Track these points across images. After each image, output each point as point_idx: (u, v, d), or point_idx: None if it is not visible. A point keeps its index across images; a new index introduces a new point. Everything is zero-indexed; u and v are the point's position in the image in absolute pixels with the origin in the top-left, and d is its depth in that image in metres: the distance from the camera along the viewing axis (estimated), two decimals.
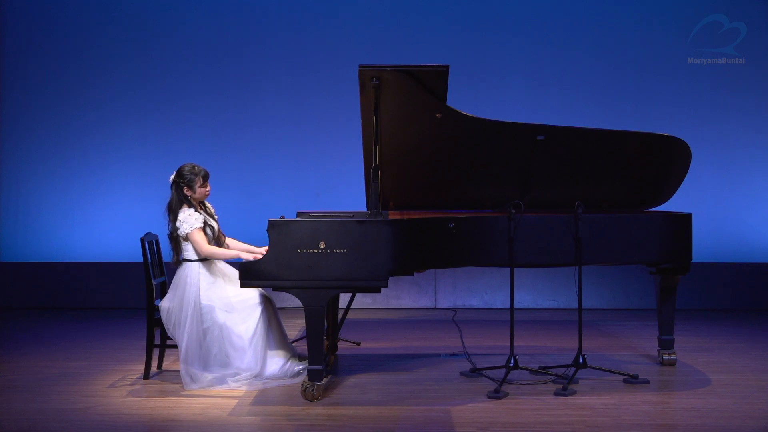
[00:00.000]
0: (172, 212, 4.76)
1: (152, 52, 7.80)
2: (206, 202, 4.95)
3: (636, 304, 7.63)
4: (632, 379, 4.79)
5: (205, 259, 4.77)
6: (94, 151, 7.82)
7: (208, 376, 4.63)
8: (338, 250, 4.31)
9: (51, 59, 7.82)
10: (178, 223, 4.73)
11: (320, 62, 7.78)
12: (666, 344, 5.21)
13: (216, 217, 4.95)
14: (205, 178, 4.80)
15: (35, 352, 5.68)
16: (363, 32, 7.77)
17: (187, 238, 4.73)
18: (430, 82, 4.63)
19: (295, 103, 7.80)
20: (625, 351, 5.68)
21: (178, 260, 4.76)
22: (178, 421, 4.11)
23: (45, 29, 7.82)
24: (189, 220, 4.72)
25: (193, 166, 4.79)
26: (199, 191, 4.79)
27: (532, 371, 4.97)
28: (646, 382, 4.78)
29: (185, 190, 4.77)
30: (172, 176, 4.80)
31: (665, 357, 5.21)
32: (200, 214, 4.77)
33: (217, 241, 4.91)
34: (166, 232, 4.81)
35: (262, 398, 4.48)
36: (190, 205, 4.77)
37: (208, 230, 4.79)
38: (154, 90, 7.80)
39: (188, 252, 4.76)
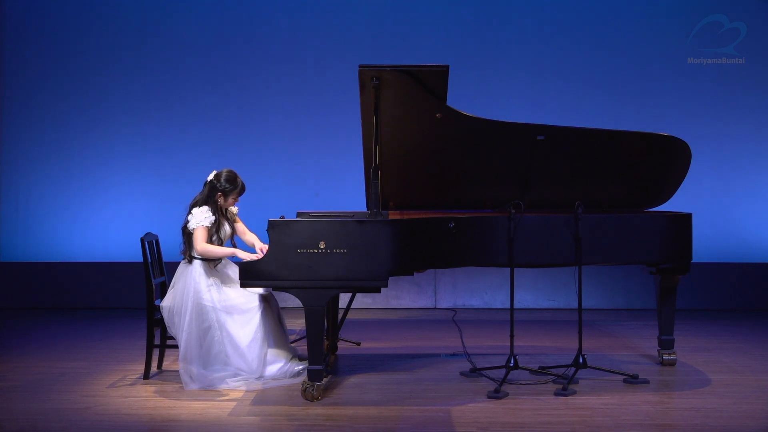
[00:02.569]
0: (194, 207, 4.78)
1: (151, 53, 7.80)
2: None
3: (636, 304, 7.63)
4: (632, 379, 4.79)
5: (208, 259, 4.77)
6: (94, 151, 7.82)
7: (208, 376, 4.63)
8: (338, 250, 4.31)
9: (49, 57, 7.83)
10: (189, 217, 4.75)
11: (320, 62, 7.78)
12: (666, 344, 5.21)
13: (236, 218, 4.95)
14: (241, 192, 4.86)
15: (35, 352, 5.68)
16: (364, 32, 7.77)
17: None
18: (430, 81, 4.63)
19: (295, 103, 7.79)
20: (625, 351, 5.68)
21: (190, 255, 4.75)
22: (178, 421, 4.11)
23: (43, 27, 7.82)
24: (199, 216, 4.73)
25: (236, 178, 4.81)
26: (229, 202, 4.83)
27: (532, 371, 4.96)
28: (646, 382, 4.78)
29: (218, 195, 4.79)
30: (212, 177, 4.80)
31: (665, 357, 5.21)
32: (213, 216, 4.77)
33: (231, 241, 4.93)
34: (174, 230, 4.83)
35: (262, 398, 4.48)
36: (212, 206, 4.79)
37: (215, 237, 4.79)
38: (153, 90, 7.80)
39: None
